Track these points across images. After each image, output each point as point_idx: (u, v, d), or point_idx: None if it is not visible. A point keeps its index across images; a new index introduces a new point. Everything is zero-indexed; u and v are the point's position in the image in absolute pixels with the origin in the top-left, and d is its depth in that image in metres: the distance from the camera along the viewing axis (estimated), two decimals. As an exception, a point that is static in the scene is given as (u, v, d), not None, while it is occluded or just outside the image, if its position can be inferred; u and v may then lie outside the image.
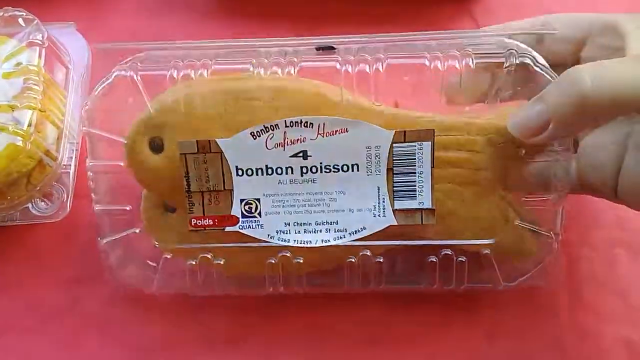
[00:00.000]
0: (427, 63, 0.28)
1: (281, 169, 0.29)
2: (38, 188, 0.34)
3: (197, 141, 0.28)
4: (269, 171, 0.29)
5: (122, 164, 0.30)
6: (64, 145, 0.35)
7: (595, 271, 0.34)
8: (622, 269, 0.34)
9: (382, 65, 0.28)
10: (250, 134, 0.28)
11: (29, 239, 0.36)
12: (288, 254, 0.30)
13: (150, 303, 0.34)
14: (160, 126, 0.29)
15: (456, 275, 0.30)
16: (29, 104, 0.33)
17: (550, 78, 0.27)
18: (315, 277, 0.31)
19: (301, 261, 0.30)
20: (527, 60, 0.27)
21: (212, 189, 0.29)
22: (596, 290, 0.33)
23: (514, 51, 0.28)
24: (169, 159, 0.29)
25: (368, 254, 0.30)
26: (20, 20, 0.36)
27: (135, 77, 0.29)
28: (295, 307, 0.34)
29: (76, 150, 0.36)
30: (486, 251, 0.29)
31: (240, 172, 0.29)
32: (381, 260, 0.30)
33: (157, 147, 0.29)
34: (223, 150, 0.28)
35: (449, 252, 0.29)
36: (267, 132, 0.28)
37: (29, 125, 0.33)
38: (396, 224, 0.29)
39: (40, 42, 0.35)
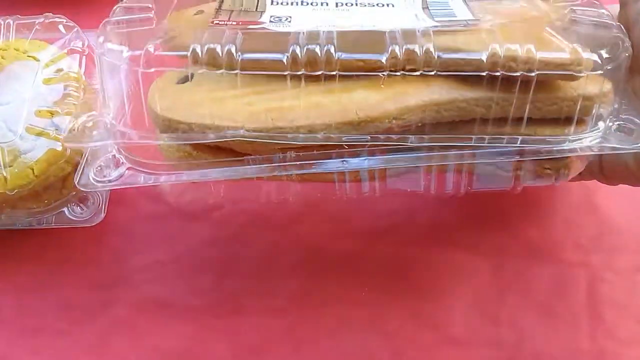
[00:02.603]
0: None
1: (316, 2, 0.29)
2: (74, 193, 0.35)
3: None
4: (304, 3, 0.29)
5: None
6: (100, 151, 0.36)
7: (617, 295, 0.34)
8: (645, 295, 0.34)
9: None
10: None
11: (63, 241, 0.36)
12: (318, 32, 0.26)
13: (178, 308, 0.35)
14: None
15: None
16: (70, 110, 0.34)
17: None
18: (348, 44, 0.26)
19: (333, 36, 0.26)
20: None
21: (243, 9, 0.28)
22: (617, 314, 0.34)
23: None
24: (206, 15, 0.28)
25: (412, 32, 0.26)
26: (61, 27, 0.37)
27: None
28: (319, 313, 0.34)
29: (112, 156, 0.36)
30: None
31: (275, 3, 0.29)
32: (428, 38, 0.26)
33: (199, 13, 0.29)
34: None
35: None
36: None
37: (69, 131, 0.34)
38: (438, 24, 0.27)
39: (81, 50, 0.36)
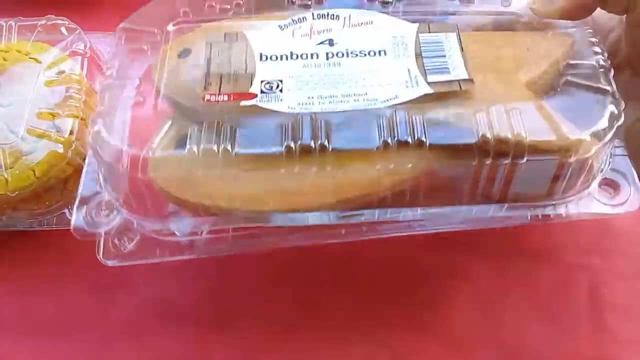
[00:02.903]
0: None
1: (307, 54, 0.28)
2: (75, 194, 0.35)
3: (224, 33, 0.29)
4: (294, 56, 0.28)
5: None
6: (101, 153, 0.36)
7: (618, 299, 0.34)
8: (646, 298, 0.34)
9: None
10: (278, 26, 0.29)
11: (64, 243, 0.36)
12: (310, 116, 0.26)
13: (179, 311, 0.35)
14: (191, 41, 0.30)
15: (513, 130, 0.25)
16: (71, 112, 0.34)
17: None
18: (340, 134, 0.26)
19: (325, 122, 0.26)
20: None
21: (232, 72, 0.28)
22: (619, 317, 0.34)
23: None
24: (194, 61, 0.29)
25: (403, 112, 0.26)
26: (63, 29, 0.37)
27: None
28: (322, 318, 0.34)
29: (113, 158, 0.36)
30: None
31: (264, 58, 0.28)
32: (418, 117, 0.26)
33: (184, 54, 0.29)
34: (249, 40, 0.29)
35: (499, 107, 0.26)
36: (294, 24, 0.29)
37: (71, 133, 0.34)
38: (432, 91, 0.27)
39: (83, 52, 0.36)
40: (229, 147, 0.25)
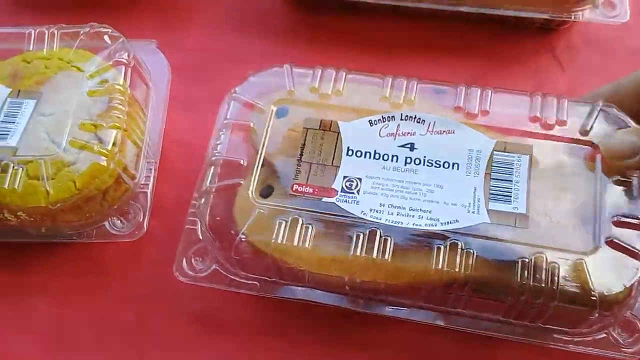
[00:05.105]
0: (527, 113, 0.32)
1: (388, 155, 0.31)
2: (116, 206, 0.35)
3: (321, 120, 0.32)
4: (376, 156, 0.31)
5: (251, 124, 0.33)
6: (142, 164, 0.36)
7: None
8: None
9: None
10: (368, 121, 0.32)
11: (102, 255, 0.36)
12: (377, 229, 0.30)
13: (213, 325, 0.34)
14: (290, 99, 0.33)
15: (549, 280, 0.28)
16: (114, 123, 0.33)
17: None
18: (401, 253, 0.29)
19: (389, 238, 0.29)
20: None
21: (320, 162, 0.31)
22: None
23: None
24: (290, 125, 0.32)
25: (457, 242, 0.29)
26: (106, 37, 0.37)
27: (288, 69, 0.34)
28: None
29: (154, 170, 0.36)
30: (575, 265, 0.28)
31: (350, 153, 0.31)
32: (471, 250, 0.29)
33: (282, 113, 0.33)
34: (341, 131, 0.32)
35: (541, 254, 0.28)
36: (383, 122, 0.32)
37: (113, 144, 0.33)
38: (489, 222, 0.29)
39: (126, 62, 0.36)
40: (307, 243, 0.29)
